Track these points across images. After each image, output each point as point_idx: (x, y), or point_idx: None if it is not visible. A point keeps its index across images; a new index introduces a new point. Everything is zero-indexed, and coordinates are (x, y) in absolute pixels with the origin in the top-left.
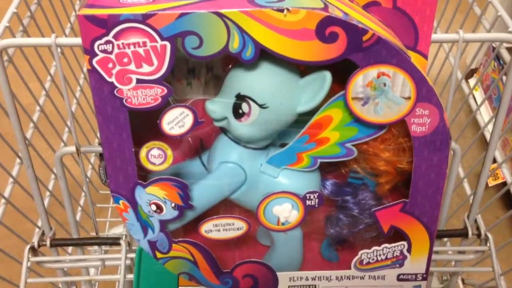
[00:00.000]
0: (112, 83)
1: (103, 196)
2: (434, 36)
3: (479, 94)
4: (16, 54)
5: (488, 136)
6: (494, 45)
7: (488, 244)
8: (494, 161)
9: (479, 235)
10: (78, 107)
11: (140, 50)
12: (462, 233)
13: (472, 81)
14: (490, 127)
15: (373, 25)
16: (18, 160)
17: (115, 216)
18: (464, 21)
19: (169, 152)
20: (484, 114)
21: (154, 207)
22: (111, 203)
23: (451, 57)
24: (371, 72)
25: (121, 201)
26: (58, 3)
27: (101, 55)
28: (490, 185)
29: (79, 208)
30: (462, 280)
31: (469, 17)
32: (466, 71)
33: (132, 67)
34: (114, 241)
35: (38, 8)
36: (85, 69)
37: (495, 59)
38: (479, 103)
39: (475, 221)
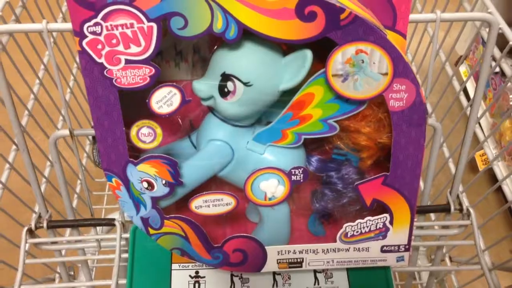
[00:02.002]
0: (101, 63)
1: (99, 184)
2: (412, 16)
3: (469, 82)
4: (9, 44)
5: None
6: (482, 32)
7: (470, 219)
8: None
9: (461, 210)
10: (71, 96)
11: (128, 32)
12: (444, 208)
13: (462, 68)
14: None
15: (351, 4)
16: (14, 147)
17: (111, 203)
18: (446, 4)
19: (159, 130)
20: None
21: (145, 184)
22: (106, 191)
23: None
24: (350, 50)
25: (113, 179)
26: None
27: (90, 36)
28: (480, 169)
29: (75, 196)
30: (450, 258)
31: (452, 2)
32: (449, 54)
33: (120, 48)
34: (108, 222)
35: None
36: (77, 58)
37: (483, 45)
38: (470, 90)
39: (457, 196)
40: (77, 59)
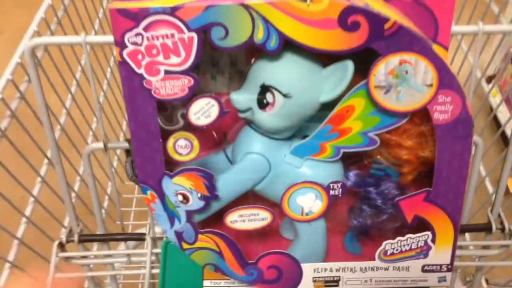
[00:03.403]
0: (141, 74)
1: (125, 200)
2: (454, 28)
3: (498, 100)
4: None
5: (509, 133)
6: None
7: None
8: None
9: (503, 230)
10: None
11: (168, 42)
12: (486, 228)
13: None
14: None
15: (394, 14)
16: (45, 161)
17: (137, 219)
18: (483, 17)
19: (196, 142)
20: (505, 117)
21: (180, 197)
22: (133, 207)
23: (470, 56)
24: (393, 60)
25: (148, 192)
26: (81, 7)
27: (131, 47)
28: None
29: (103, 211)
30: (486, 280)
31: (487, 16)
32: (483, 72)
33: (160, 58)
34: (139, 237)
35: (64, 14)
36: (107, 74)
37: None
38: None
39: (499, 215)
40: (107, 74)
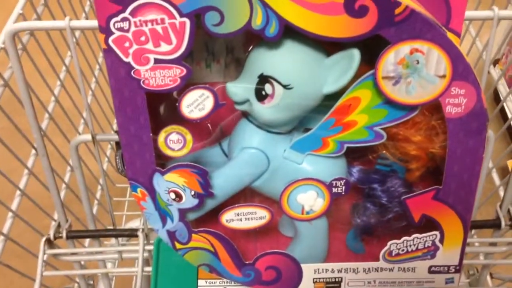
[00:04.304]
0: (128, 63)
1: (119, 190)
2: (468, 13)
3: (501, 86)
4: (29, 45)
5: None
6: None
7: None
8: None
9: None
10: (93, 98)
11: (158, 28)
12: (494, 224)
13: (495, 71)
14: None
15: None
16: (33, 151)
17: (132, 210)
18: (492, 2)
19: (189, 137)
20: (509, 104)
21: (173, 195)
22: (127, 197)
23: (478, 41)
24: (404, 49)
25: (138, 189)
26: None
27: (117, 33)
28: None
29: (96, 202)
30: (491, 274)
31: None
32: (493, 58)
33: (149, 46)
34: (131, 233)
35: None
36: (100, 59)
37: None
38: (502, 94)
39: (508, 211)
40: (100, 61)
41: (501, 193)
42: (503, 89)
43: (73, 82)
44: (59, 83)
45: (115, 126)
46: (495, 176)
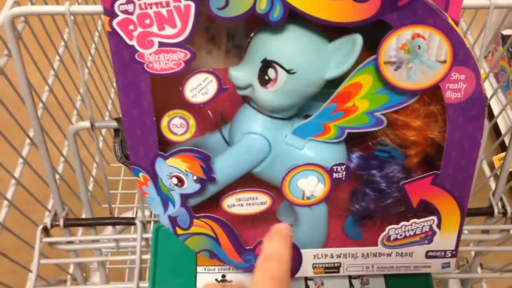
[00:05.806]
0: (133, 46)
1: (111, 182)
2: (465, 2)
3: (487, 83)
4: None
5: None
6: (502, 32)
7: None
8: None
9: (505, 214)
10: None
11: (163, 11)
12: (487, 211)
13: (486, 65)
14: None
15: None
16: (27, 141)
17: (123, 202)
18: None
19: (192, 121)
20: (493, 101)
21: (175, 180)
22: (119, 189)
23: (469, 35)
24: (406, 34)
25: (141, 174)
26: None
27: (121, 16)
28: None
29: (89, 193)
30: (481, 265)
31: None
32: (486, 49)
33: (154, 29)
34: (129, 221)
35: None
36: (92, 50)
37: (506, 49)
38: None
39: (501, 199)
40: (92, 50)
41: (492, 184)
42: (489, 86)
43: (65, 71)
44: (52, 73)
45: (106, 116)
46: (486, 167)
